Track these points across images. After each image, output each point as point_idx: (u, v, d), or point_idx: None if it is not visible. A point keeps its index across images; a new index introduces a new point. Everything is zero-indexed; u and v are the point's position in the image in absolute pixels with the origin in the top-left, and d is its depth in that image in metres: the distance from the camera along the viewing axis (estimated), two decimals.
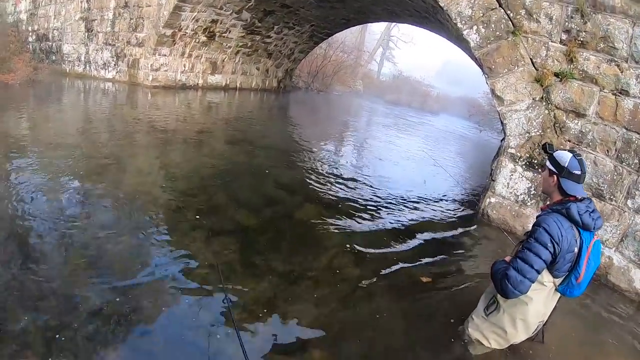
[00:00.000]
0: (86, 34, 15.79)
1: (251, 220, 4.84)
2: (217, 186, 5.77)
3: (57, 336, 2.63)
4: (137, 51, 14.02)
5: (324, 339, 3.06)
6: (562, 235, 2.48)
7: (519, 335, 2.87)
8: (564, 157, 2.65)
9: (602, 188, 4.98)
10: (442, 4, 6.06)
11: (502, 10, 5.58)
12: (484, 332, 2.99)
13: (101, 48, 15.33)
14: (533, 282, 2.59)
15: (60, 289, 3.06)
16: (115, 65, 14.98)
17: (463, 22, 5.90)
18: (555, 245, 2.49)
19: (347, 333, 3.19)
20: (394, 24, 35.38)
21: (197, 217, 4.66)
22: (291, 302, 3.44)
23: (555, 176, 2.66)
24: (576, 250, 2.54)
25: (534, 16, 5.38)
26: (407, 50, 41.79)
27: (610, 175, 4.95)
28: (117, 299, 3.07)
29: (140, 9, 13.58)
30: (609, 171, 4.97)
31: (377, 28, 39.26)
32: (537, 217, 2.70)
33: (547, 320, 2.92)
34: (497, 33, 5.64)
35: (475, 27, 5.80)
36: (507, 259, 2.83)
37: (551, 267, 2.58)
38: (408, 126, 18.17)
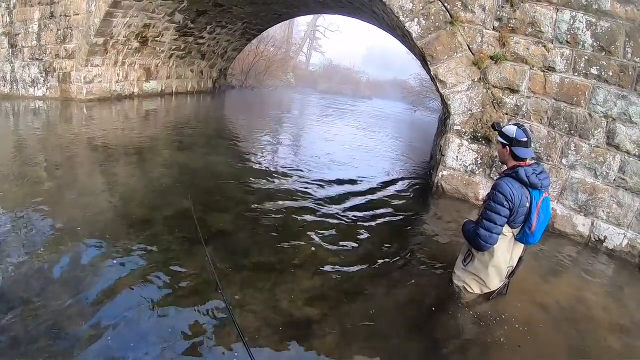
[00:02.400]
0: (10, 50, 14.79)
1: (224, 224, 4.91)
2: (177, 194, 5.67)
3: None
4: (67, 64, 13.38)
5: (325, 315, 3.39)
6: (513, 194, 3.18)
7: (493, 280, 3.55)
8: (511, 130, 3.36)
9: (539, 151, 5.78)
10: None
11: (440, 3, 6.21)
12: (466, 280, 3.66)
13: (28, 64, 14.43)
14: (499, 235, 3.28)
15: (44, 330, 2.91)
16: (45, 81, 14.16)
17: (405, 15, 6.48)
18: (510, 203, 3.18)
19: (343, 308, 3.53)
20: (320, 15, 36.05)
21: (166, 227, 4.65)
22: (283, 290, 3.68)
23: (507, 147, 3.36)
24: (528, 205, 3.22)
25: (469, 7, 6.07)
26: (334, 39, 42.48)
27: (545, 140, 5.77)
28: (107, 325, 3.02)
29: (68, 18, 12.95)
30: (543, 137, 5.78)
31: (303, 20, 39.59)
32: (494, 183, 3.35)
33: (515, 271, 3.59)
34: (437, 24, 6.27)
35: (416, 20, 6.40)
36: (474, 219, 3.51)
37: (509, 219, 3.25)
38: (344, 114, 18.85)
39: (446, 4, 6.17)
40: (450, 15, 6.17)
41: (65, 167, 6.68)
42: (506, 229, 3.30)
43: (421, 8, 6.32)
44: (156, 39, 14.51)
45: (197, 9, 13.85)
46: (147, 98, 15.49)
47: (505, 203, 3.16)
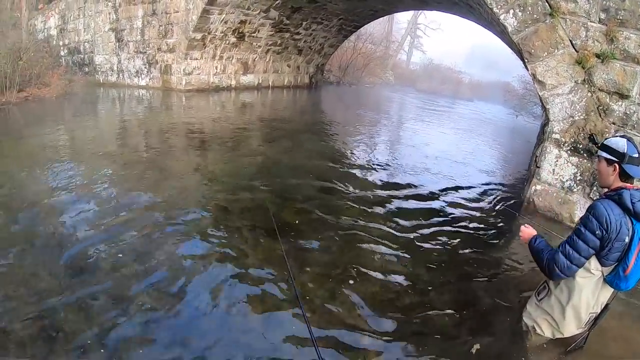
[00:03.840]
0: (117, 44, 16.20)
1: (295, 219, 4.87)
2: (258, 186, 5.82)
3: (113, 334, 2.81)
4: (168, 57, 14.37)
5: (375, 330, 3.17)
6: (610, 221, 2.46)
7: (568, 325, 2.83)
8: (620, 143, 2.62)
9: None
10: None
11: None
12: (537, 319, 2.98)
13: (132, 56, 15.74)
14: (579, 268, 2.62)
15: (114, 295, 3.19)
16: (147, 72, 15.38)
17: (499, 6, 5.80)
18: (604, 231, 2.48)
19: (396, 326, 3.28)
20: (420, 12, 35.13)
21: (242, 217, 4.78)
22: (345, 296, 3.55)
23: (615, 165, 2.62)
24: (627, 240, 2.50)
25: None
26: (435, 38, 41.23)
27: None
28: (172, 301, 3.22)
29: (169, 15, 13.86)
30: None
31: (403, 17, 38.95)
32: (590, 204, 2.69)
33: (597, 320, 2.88)
34: (535, 16, 5.52)
35: (511, 11, 5.70)
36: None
37: (599, 253, 2.57)
38: (441, 116, 18.04)
39: None
40: (550, 6, 5.38)
41: (160, 150, 7.35)
42: (594, 266, 2.63)
43: None
44: (252, 34, 14.91)
45: (292, 5, 14.00)
46: (244, 90, 16.16)
47: (598, 232, 2.49)
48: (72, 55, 18.72)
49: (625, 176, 2.62)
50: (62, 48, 19.27)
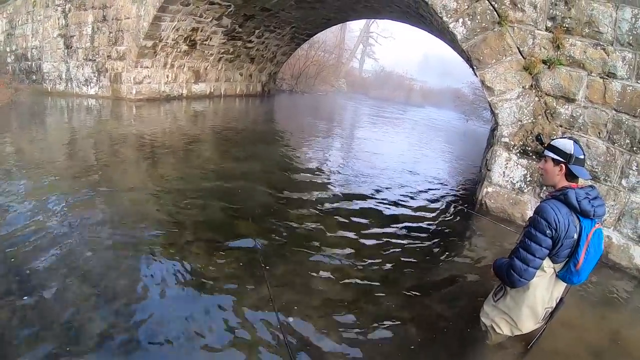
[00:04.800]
0: (65, 51, 15.42)
1: (248, 230, 4.79)
2: (211, 197, 5.68)
3: None
4: (118, 65, 13.84)
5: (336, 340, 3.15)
6: (558, 221, 2.55)
7: (526, 322, 2.93)
8: (567, 144, 2.74)
9: (596, 170, 5.08)
10: None
11: (487, 1, 5.64)
12: (495, 318, 3.05)
13: (82, 64, 15.03)
14: (537, 269, 2.69)
15: (63, 316, 3.02)
16: (97, 80, 14.73)
17: (448, 15, 5.96)
18: (553, 231, 2.57)
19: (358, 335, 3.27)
20: (372, 20, 35.76)
21: (195, 231, 4.64)
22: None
23: (562, 165, 2.73)
24: (575, 236, 2.60)
25: (519, 5, 5.46)
26: (388, 46, 42.26)
27: (603, 157, 5.06)
28: (124, 323, 3.06)
29: (119, 21, 13.36)
30: (601, 153, 5.07)
31: (356, 26, 39.66)
32: (537, 206, 2.78)
33: (553, 313, 2.97)
34: (483, 24, 5.71)
35: (461, 20, 5.86)
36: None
37: (550, 252, 2.66)
38: (391, 123, 18.33)
39: (493, 2, 5.59)
40: (498, 15, 5.58)
41: (111, 162, 7.02)
42: (547, 264, 2.72)
43: (466, 7, 5.78)
44: (204, 42, 14.66)
45: (244, 13, 13.86)
46: (195, 99, 15.76)
47: (548, 231, 2.58)
48: (19, 62, 17.68)
49: (571, 176, 2.74)
50: (9, 54, 18.19)
